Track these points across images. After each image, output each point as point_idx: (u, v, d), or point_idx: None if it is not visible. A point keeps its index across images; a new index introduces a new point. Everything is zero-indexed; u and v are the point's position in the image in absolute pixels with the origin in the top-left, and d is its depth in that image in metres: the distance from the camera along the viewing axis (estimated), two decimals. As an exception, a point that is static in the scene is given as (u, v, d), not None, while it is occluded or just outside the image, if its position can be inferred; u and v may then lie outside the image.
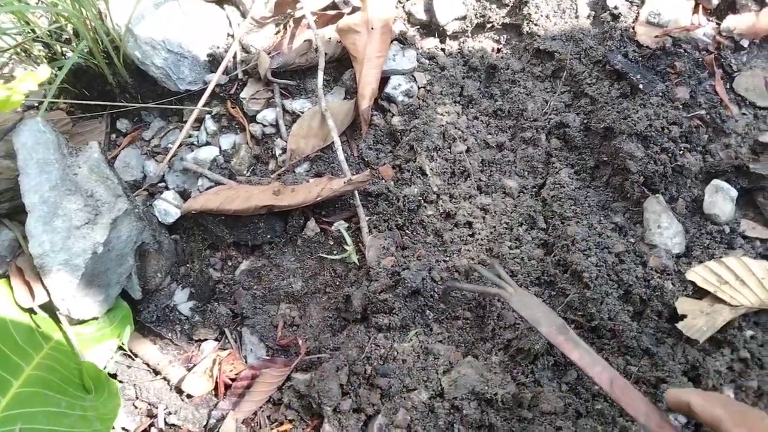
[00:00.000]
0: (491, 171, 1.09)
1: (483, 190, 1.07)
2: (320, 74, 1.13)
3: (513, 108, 1.14)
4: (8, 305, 0.88)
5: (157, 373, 0.95)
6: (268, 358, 0.96)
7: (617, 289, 0.94)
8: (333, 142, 1.07)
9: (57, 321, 0.92)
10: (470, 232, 1.02)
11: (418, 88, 1.15)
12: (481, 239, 1.01)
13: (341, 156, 1.06)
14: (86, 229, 0.90)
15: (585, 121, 1.11)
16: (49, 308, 0.90)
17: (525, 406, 0.86)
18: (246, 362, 0.97)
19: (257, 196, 1.01)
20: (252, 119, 1.14)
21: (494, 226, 1.02)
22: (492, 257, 0.98)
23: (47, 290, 0.88)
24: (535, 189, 1.08)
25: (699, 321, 0.92)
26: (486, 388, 0.85)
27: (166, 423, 0.90)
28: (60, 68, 1.08)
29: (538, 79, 1.17)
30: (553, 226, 1.01)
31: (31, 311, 0.89)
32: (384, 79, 1.14)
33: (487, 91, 1.17)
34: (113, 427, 0.86)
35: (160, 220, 1.06)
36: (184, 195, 1.10)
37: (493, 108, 1.14)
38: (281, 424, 0.89)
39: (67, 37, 1.17)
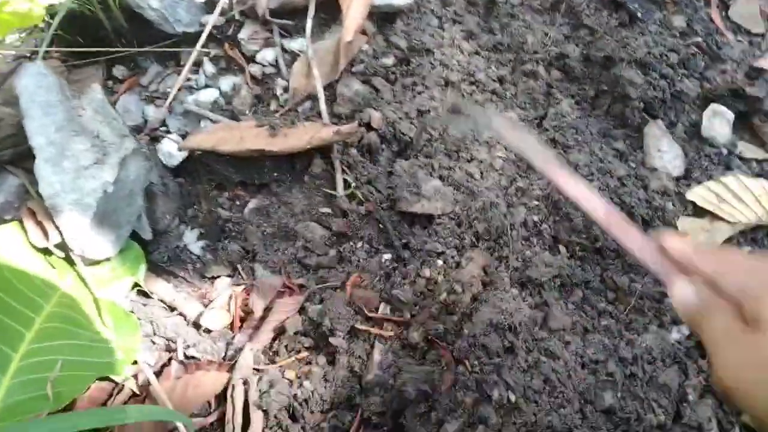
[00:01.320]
0: (493, 106, 1.10)
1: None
2: (310, 13, 1.12)
3: (513, 42, 1.14)
4: (23, 247, 0.89)
5: (173, 309, 0.96)
6: (282, 290, 0.98)
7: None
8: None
9: (70, 262, 0.92)
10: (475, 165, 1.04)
11: (413, 26, 1.14)
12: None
13: (323, 105, 1.06)
14: (95, 169, 0.90)
15: (584, 52, 1.12)
16: (63, 250, 0.91)
17: (537, 326, 0.89)
18: (259, 296, 0.99)
19: (250, 139, 1.01)
20: (251, 60, 1.13)
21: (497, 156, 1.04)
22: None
23: (59, 230, 0.89)
24: (536, 121, 1.09)
25: (700, 238, 0.95)
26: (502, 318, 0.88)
27: (185, 356, 0.92)
28: (53, 15, 1.06)
29: (537, 12, 1.18)
30: (556, 155, 1.03)
31: (45, 251, 0.90)
32: (387, 16, 1.13)
33: (486, 26, 1.17)
34: (136, 361, 0.87)
35: (164, 163, 1.07)
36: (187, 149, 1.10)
37: (493, 42, 1.14)
38: (298, 352, 0.91)
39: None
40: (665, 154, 1.02)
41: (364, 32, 1.12)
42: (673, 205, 0.98)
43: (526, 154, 0.78)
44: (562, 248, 0.98)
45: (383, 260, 0.97)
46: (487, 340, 0.85)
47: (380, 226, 0.99)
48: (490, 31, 1.17)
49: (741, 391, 0.44)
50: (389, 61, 1.11)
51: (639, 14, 1.08)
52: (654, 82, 1.02)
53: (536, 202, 0.99)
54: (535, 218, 0.97)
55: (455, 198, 0.98)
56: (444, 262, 0.94)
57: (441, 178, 1.00)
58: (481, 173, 1.01)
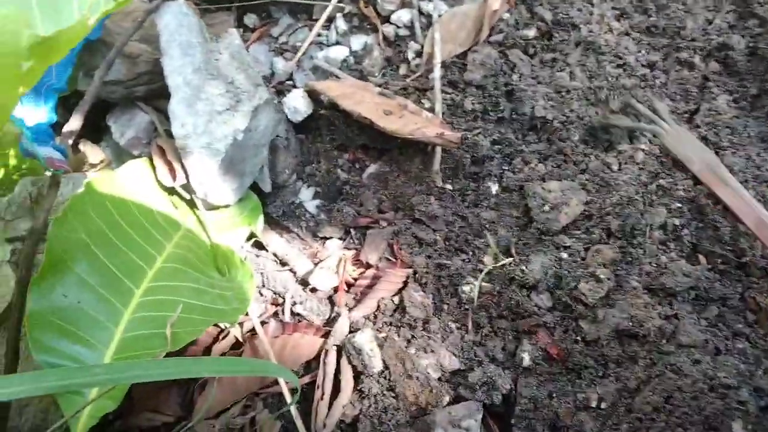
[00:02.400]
0: (640, 92, 1.01)
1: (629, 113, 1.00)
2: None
3: (669, 25, 1.04)
4: (150, 184, 0.90)
5: (284, 264, 0.96)
6: (392, 261, 0.95)
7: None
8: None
9: (192, 204, 0.93)
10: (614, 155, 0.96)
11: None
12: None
13: (437, 88, 1.00)
14: (227, 115, 0.89)
15: (751, 45, 1.01)
16: (187, 192, 0.92)
17: (665, 338, 0.82)
18: (367, 263, 0.96)
19: (368, 106, 0.98)
20: (386, 20, 1.10)
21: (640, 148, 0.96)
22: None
23: (186, 172, 0.89)
24: (687, 114, 1.00)
25: None
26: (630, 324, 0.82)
27: (292, 312, 0.92)
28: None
29: (701, -5, 1.07)
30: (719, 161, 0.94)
31: (170, 191, 0.91)
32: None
33: (640, 5, 1.08)
34: (244, 310, 0.87)
35: (289, 117, 1.05)
36: (312, 94, 1.09)
37: (647, 24, 1.05)
38: (398, 327, 0.88)
39: None
40: (835, 168, 0.91)
41: (507, 0, 1.05)
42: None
43: (684, 158, 0.73)
44: (701, 258, 0.89)
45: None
46: (608, 349, 0.79)
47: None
48: (645, 11, 1.07)
49: None
50: (531, 33, 1.04)
51: (823, 8, 0.96)
52: (831, 86, 0.91)
53: (678, 204, 0.90)
54: (676, 222, 0.89)
55: (587, 189, 0.92)
56: (569, 256, 0.88)
57: (575, 164, 0.93)
58: (620, 165, 0.94)
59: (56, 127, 0.89)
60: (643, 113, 0.82)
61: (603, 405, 0.79)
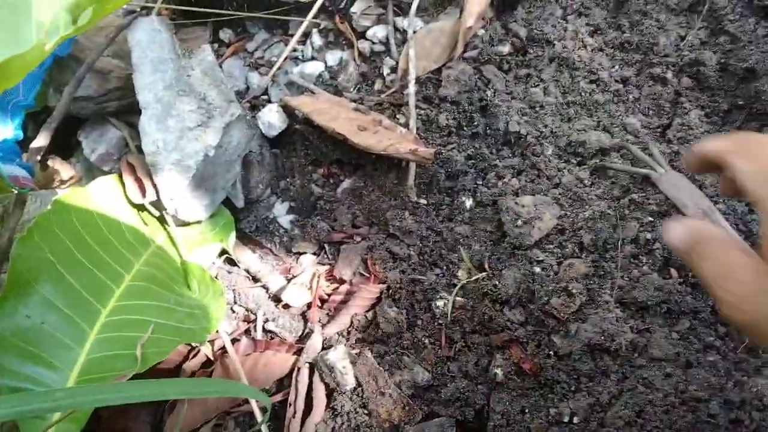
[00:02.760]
0: (613, 107, 1.02)
1: (602, 127, 1.00)
2: None
3: (642, 41, 1.05)
4: (119, 200, 0.89)
5: (256, 280, 0.95)
6: (366, 276, 0.95)
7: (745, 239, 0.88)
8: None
9: (162, 221, 0.92)
10: (586, 169, 0.96)
11: (535, 15, 1.08)
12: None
13: (412, 104, 1.00)
14: (199, 131, 0.89)
15: (722, 61, 1.02)
16: (157, 209, 0.91)
17: (637, 352, 0.82)
18: (341, 279, 0.96)
19: (342, 122, 0.98)
20: (361, 36, 1.10)
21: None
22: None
23: (156, 189, 0.89)
24: (659, 129, 1.01)
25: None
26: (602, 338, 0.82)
27: (264, 329, 0.91)
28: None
29: (673, 12, 1.08)
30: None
31: (140, 208, 0.90)
32: (508, 1, 1.06)
33: (614, 22, 1.09)
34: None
35: (263, 132, 1.05)
36: (287, 110, 1.08)
37: (620, 40, 1.06)
38: (371, 343, 0.88)
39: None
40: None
41: (480, 16, 1.06)
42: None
43: (679, 202, 0.75)
44: (673, 272, 0.90)
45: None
46: (580, 363, 0.79)
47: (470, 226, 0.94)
48: (618, 27, 1.08)
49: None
50: (505, 49, 1.05)
51: (791, 24, 0.97)
52: (800, 100, 0.92)
53: (650, 219, 0.91)
54: (648, 236, 0.89)
55: (560, 204, 0.92)
56: (542, 270, 0.88)
57: (548, 178, 0.94)
58: (593, 180, 0.94)
59: (24, 144, 0.88)
60: (639, 157, 0.84)
61: (575, 419, 0.79)
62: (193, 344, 0.87)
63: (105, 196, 0.87)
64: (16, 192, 0.79)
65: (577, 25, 1.07)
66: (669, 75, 1.02)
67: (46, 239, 0.73)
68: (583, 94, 1.02)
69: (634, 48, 1.06)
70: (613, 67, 1.05)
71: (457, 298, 0.88)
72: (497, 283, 0.87)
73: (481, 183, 0.98)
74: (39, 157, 0.84)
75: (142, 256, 0.85)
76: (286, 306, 0.93)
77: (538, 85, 1.02)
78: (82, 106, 0.97)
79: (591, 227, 0.89)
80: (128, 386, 0.54)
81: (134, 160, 0.91)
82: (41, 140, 0.83)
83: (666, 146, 0.98)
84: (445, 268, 0.93)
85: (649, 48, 1.05)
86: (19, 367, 0.65)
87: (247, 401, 0.83)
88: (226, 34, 1.21)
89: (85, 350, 0.69)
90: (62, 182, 0.97)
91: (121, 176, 0.91)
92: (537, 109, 1.01)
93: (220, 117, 0.90)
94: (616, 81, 1.04)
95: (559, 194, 0.94)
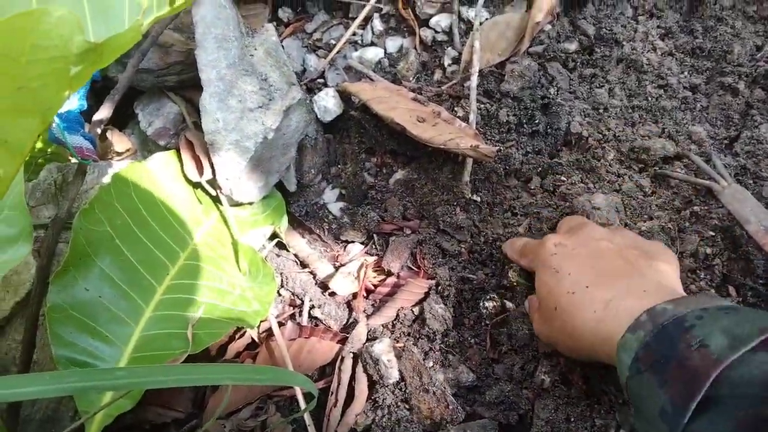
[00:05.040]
0: (679, 114, 0.99)
1: (667, 135, 0.97)
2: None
3: (715, 48, 1.01)
4: (176, 177, 0.89)
5: (304, 266, 0.95)
6: (414, 270, 0.94)
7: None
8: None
9: (215, 200, 0.92)
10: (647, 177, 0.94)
11: (605, 13, 1.04)
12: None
13: (473, 98, 0.97)
14: (259, 113, 0.88)
15: (799, 74, 0.98)
16: (212, 187, 0.91)
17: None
18: (389, 271, 0.95)
19: (401, 112, 0.96)
20: (424, 23, 1.08)
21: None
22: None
23: (213, 168, 0.88)
24: (726, 141, 0.97)
25: None
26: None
27: (309, 315, 0.90)
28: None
29: (750, 20, 1.04)
30: (744, 185, 0.91)
31: (196, 185, 0.90)
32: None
33: (687, 26, 1.05)
34: (263, 311, 0.86)
35: (318, 116, 1.04)
36: (343, 95, 1.07)
37: (692, 45, 1.02)
38: (417, 339, 0.87)
39: None
40: None
41: (549, 11, 1.03)
42: None
43: (740, 217, 0.72)
44: (731, 289, 0.87)
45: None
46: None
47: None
48: (691, 32, 1.04)
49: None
50: (572, 46, 1.02)
51: None
52: None
53: (712, 233, 0.88)
54: (708, 251, 0.87)
55: (619, 210, 0.90)
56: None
57: (609, 183, 0.91)
58: (654, 188, 0.92)
59: (87, 115, 0.88)
60: (702, 168, 0.82)
61: (621, 433, 0.78)
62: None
63: (163, 172, 0.87)
64: (75, 162, 0.79)
65: (648, 27, 1.03)
66: (741, 85, 0.98)
67: (106, 213, 0.74)
68: (649, 98, 0.98)
69: (706, 55, 1.02)
70: (683, 73, 1.01)
71: (506, 301, 0.87)
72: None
73: (538, 184, 0.96)
74: (100, 129, 0.84)
75: (196, 235, 0.85)
76: (333, 294, 0.93)
77: (603, 86, 0.99)
78: (141, 78, 0.97)
79: (650, 238, 0.86)
80: (183, 369, 0.54)
81: (193, 137, 0.91)
82: (104, 112, 0.83)
83: (732, 159, 0.94)
84: (494, 267, 0.91)
85: (722, 56, 1.01)
86: (77, 339, 0.65)
87: (290, 387, 0.83)
88: (285, 13, 1.20)
89: (140, 327, 0.70)
90: (118, 154, 0.98)
91: (178, 152, 0.91)
92: (600, 111, 0.98)
93: (280, 100, 0.89)
94: (685, 88, 1.00)
95: (620, 200, 0.91)
